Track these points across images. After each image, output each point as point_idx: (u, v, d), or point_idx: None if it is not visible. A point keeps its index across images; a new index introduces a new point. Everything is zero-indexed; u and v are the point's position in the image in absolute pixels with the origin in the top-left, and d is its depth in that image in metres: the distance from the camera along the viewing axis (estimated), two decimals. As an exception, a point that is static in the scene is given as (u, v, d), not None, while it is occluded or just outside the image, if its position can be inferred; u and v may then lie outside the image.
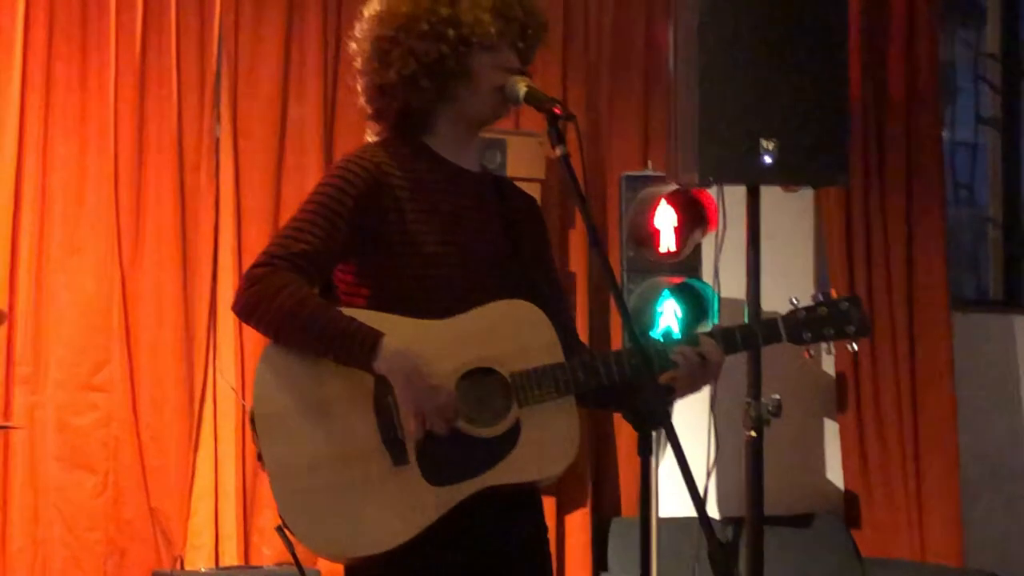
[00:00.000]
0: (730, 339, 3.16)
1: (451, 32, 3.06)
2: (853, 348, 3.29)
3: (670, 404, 3.10)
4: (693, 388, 3.10)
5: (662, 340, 3.28)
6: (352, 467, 2.98)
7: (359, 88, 3.21)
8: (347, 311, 2.99)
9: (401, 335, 2.94)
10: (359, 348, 2.92)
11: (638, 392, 3.00)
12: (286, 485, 2.97)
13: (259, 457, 3.01)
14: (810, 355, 3.32)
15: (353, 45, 3.20)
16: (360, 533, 2.97)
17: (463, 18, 3.07)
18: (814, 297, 3.25)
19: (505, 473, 3.00)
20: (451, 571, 3.04)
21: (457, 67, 3.09)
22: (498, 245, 3.19)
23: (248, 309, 3.00)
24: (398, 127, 3.19)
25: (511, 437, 3.01)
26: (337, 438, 2.99)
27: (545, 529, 3.28)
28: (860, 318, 3.20)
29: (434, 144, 3.18)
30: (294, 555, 3.42)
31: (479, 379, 3.02)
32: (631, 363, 3.05)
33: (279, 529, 3.01)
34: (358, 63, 3.19)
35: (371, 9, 3.18)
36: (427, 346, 2.96)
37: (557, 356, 3.04)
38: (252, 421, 3.00)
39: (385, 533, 2.96)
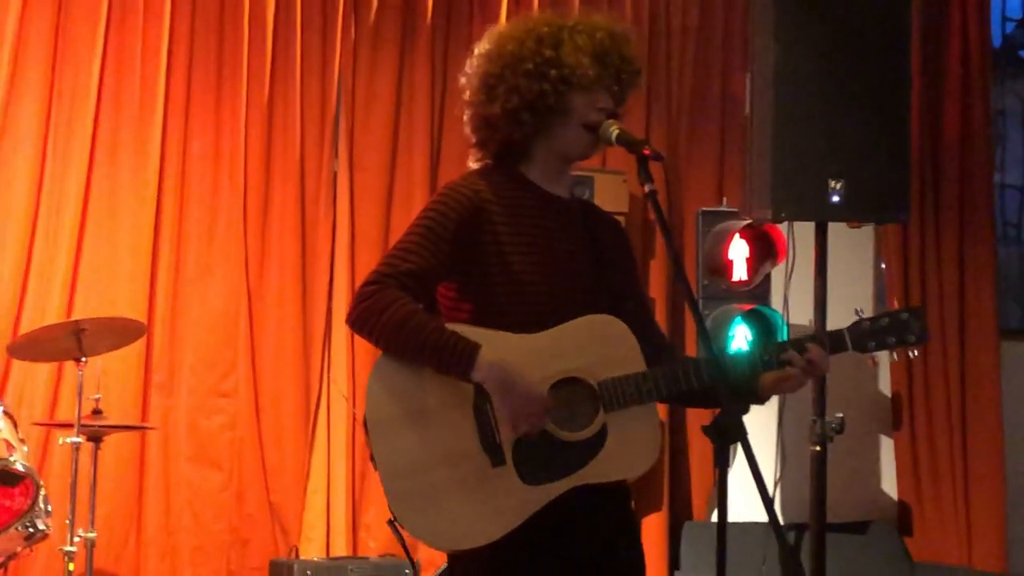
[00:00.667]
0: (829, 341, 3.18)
1: (553, 72, 3.05)
2: (913, 354, 3.30)
3: (746, 411, 3.01)
4: (798, 387, 3.13)
5: (762, 346, 3.26)
6: (455, 468, 2.99)
7: (465, 119, 3.18)
8: (449, 326, 3.00)
9: (496, 347, 2.95)
10: (458, 359, 2.93)
11: (719, 400, 2.97)
12: (396, 484, 2.99)
13: (372, 458, 3.04)
14: (875, 363, 3.34)
15: (463, 79, 3.18)
16: (464, 527, 2.98)
17: (565, 60, 3.06)
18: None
19: (593, 473, 2.99)
20: (551, 560, 3.03)
21: (556, 105, 3.06)
22: (585, 265, 3.16)
23: (360, 322, 3.00)
24: (499, 156, 3.17)
25: (599, 440, 3.00)
26: (440, 442, 3.00)
27: (634, 515, 3.28)
28: (920, 326, 3.19)
29: (529, 173, 3.16)
30: (405, 548, 3.50)
31: (569, 388, 3.01)
32: (709, 372, 3.04)
33: (391, 523, 3.03)
34: (466, 95, 3.16)
35: (481, 47, 3.18)
36: (520, 357, 2.97)
37: (639, 365, 3.04)
38: (365, 426, 3.02)
39: (486, 527, 2.97)
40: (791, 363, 3.10)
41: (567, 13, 3.29)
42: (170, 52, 6.00)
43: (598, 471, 3.00)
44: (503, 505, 2.98)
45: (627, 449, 3.03)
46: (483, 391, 2.99)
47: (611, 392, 3.01)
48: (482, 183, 3.10)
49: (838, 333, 3.21)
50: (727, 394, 2.93)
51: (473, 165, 3.22)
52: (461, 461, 2.99)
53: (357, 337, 6.31)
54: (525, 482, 2.98)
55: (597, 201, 5.99)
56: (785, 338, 5.98)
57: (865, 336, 3.19)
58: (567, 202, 3.22)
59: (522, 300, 3.06)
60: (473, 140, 3.20)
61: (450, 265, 3.05)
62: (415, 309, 2.99)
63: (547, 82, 3.06)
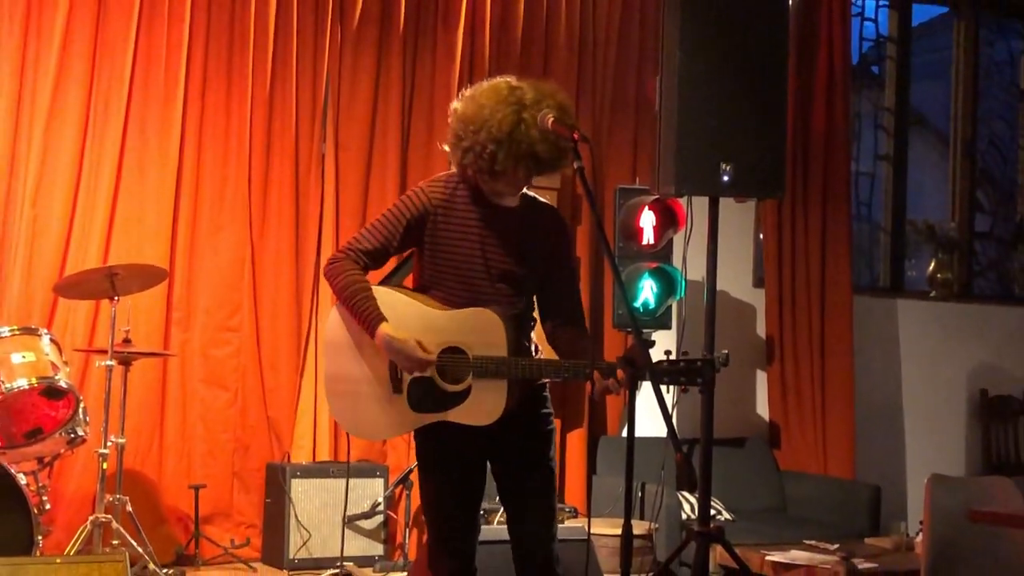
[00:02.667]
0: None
1: (510, 146, 3.19)
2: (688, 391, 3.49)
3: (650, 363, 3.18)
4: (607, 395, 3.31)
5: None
6: (371, 385, 3.35)
7: (448, 139, 3.34)
8: (380, 290, 3.33)
9: (407, 315, 3.30)
10: (367, 324, 3.28)
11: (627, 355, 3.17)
12: (333, 386, 3.42)
13: None
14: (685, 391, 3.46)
15: (450, 112, 3.35)
16: (371, 426, 3.45)
17: (519, 138, 3.19)
18: (680, 354, 3.39)
19: (454, 415, 3.30)
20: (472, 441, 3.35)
21: (507, 167, 3.23)
22: (516, 262, 3.35)
23: (327, 278, 3.36)
24: (464, 172, 3.35)
25: (464, 395, 3.29)
26: (366, 366, 3.35)
27: (546, 415, 3.47)
28: (709, 375, 3.46)
29: (484, 187, 3.33)
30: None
31: (456, 354, 3.29)
32: (543, 367, 3.31)
33: None
34: (450, 129, 3.33)
35: (466, 98, 3.31)
36: (421, 325, 3.29)
37: (503, 350, 3.27)
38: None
39: (383, 430, 3.59)
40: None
41: (525, 87, 3.29)
42: (189, 50, 5.93)
43: (457, 415, 3.31)
44: (396, 419, 3.37)
45: (479, 407, 3.30)
46: None
47: (481, 365, 3.28)
48: (440, 189, 3.36)
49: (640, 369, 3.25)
50: (639, 336, 3.25)
51: (453, 167, 3.40)
52: (376, 382, 3.35)
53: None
54: (411, 407, 3.33)
55: (536, 179, 5.97)
56: (682, 292, 6.01)
57: (660, 373, 3.33)
58: (510, 210, 3.38)
59: (452, 282, 3.34)
60: (450, 156, 3.37)
61: (401, 246, 3.38)
62: (356, 279, 3.31)
63: (502, 150, 3.21)
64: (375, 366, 3.34)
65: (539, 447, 3.44)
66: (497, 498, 3.51)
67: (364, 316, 3.28)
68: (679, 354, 3.39)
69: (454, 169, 3.38)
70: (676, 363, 3.32)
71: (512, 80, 3.32)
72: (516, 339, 3.31)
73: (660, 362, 3.31)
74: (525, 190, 3.41)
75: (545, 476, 3.44)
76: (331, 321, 3.40)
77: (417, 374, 3.28)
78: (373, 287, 3.34)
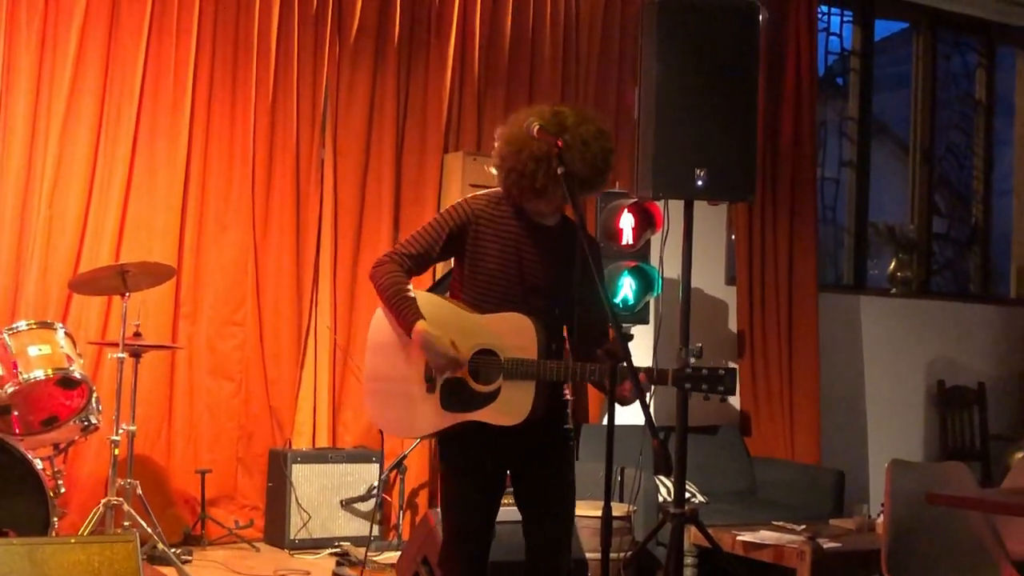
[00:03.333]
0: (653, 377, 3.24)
1: (556, 168, 3.16)
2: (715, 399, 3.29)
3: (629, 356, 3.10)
4: (626, 404, 3.19)
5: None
6: (407, 384, 3.27)
7: (494, 158, 3.31)
8: (420, 293, 3.26)
9: (443, 317, 3.22)
10: (405, 323, 3.22)
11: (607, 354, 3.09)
12: (371, 385, 3.34)
13: None
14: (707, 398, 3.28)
15: (496, 138, 3.31)
16: (404, 423, 3.34)
17: (569, 162, 3.15)
18: (700, 363, 3.32)
19: (484, 415, 3.21)
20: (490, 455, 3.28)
21: (550, 186, 3.19)
22: (550, 277, 3.28)
23: (372, 279, 3.30)
24: (509, 192, 3.29)
25: (494, 395, 3.21)
26: (403, 366, 3.27)
27: (568, 431, 3.40)
28: (731, 384, 3.23)
29: (525, 206, 3.29)
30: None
31: (488, 356, 3.22)
32: (574, 368, 3.17)
33: None
34: (494, 151, 3.30)
35: (514, 122, 3.27)
36: (457, 326, 3.21)
37: (534, 353, 3.18)
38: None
39: (416, 428, 3.33)
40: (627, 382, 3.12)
41: (567, 111, 3.28)
42: (196, 62, 5.90)
43: (487, 415, 3.22)
44: (428, 417, 3.27)
45: (509, 407, 3.21)
46: None
47: (512, 367, 3.19)
48: (483, 205, 3.30)
49: (663, 372, 3.24)
50: (619, 331, 3.10)
51: (495, 188, 3.34)
52: (412, 381, 3.27)
53: (338, 281, 6.33)
54: (443, 407, 3.25)
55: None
56: (659, 289, 6.01)
57: (684, 379, 3.24)
58: (550, 229, 3.33)
59: (488, 292, 3.26)
60: (496, 177, 3.32)
61: (443, 253, 3.31)
62: (398, 280, 3.25)
63: (542, 169, 3.18)
64: (412, 366, 3.26)
65: (559, 456, 3.36)
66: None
67: (403, 314, 3.22)
68: (655, 348, 3.38)
69: (499, 188, 3.34)
70: (699, 371, 3.22)
71: (556, 105, 3.31)
72: (547, 343, 3.23)
73: (684, 368, 3.23)
74: (566, 211, 3.35)
75: (565, 485, 3.36)
76: (374, 323, 3.34)
77: (448, 375, 3.22)
78: (415, 291, 3.28)
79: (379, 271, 3.28)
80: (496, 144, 3.30)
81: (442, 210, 3.38)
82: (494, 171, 3.32)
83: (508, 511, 3.40)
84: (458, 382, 3.22)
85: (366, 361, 3.34)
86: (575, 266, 3.31)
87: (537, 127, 3.16)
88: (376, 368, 3.31)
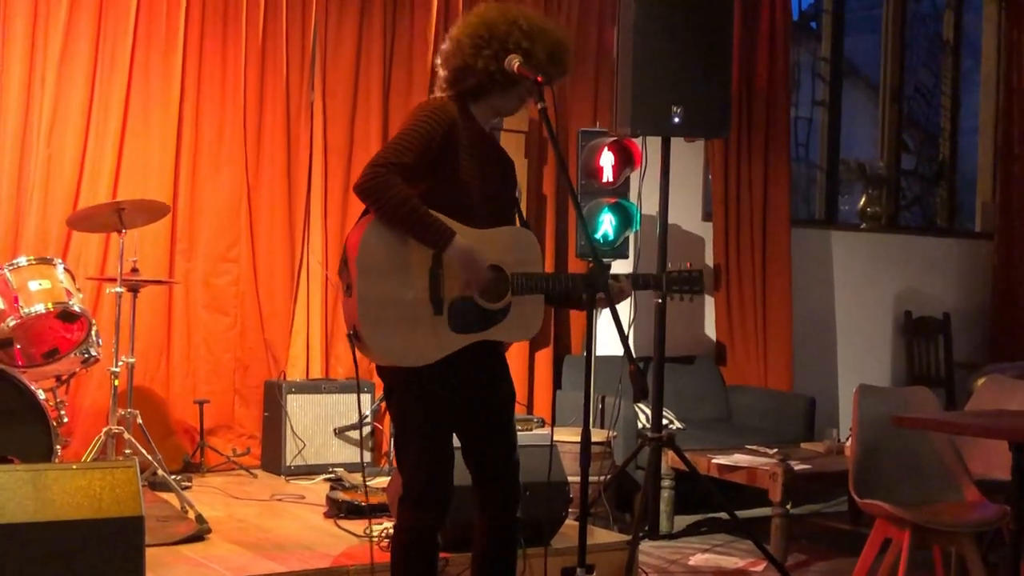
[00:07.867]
0: (635, 281, 3.22)
1: (540, 39, 3.07)
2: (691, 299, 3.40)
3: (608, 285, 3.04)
4: (612, 304, 2.97)
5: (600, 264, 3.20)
6: (410, 307, 2.98)
7: (441, 61, 3.11)
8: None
9: (460, 232, 2.97)
10: (439, 237, 2.93)
11: (587, 278, 3.05)
12: (368, 309, 2.94)
13: (347, 288, 2.97)
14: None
15: (453, 31, 3.11)
16: (407, 349, 2.98)
17: (535, 53, 3.05)
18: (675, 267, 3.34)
19: (496, 333, 3.08)
20: (447, 393, 3.06)
21: (516, 77, 3.05)
22: (498, 185, 3.17)
23: (367, 192, 2.93)
24: (460, 95, 3.11)
25: (504, 312, 3.08)
26: (404, 287, 2.97)
27: (505, 361, 3.25)
28: (700, 284, 3.31)
29: (475, 112, 3.12)
30: (356, 364, 3.43)
31: (493, 273, 3.05)
32: (576, 280, 3.10)
33: (350, 336, 2.99)
34: (448, 46, 3.09)
35: (477, 13, 3.11)
36: (470, 242, 2.99)
37: (539, 268, 3.11)
38: (354, 264, 2.93)
39: (422, 353, 2.99)
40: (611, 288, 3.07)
41: (529, 10, 3.17)
42: (188, 4, 5.79)
43: (499, 332, 3.09)
44: (435, 341, 3.01)
45: (520, 322, 3.11)
46: (439, 260, 2.98)
47: (519, 282, 3.07)
48: (455, 112, 3.05)
49: (655, 276, 3.29)
50: (599, 262, 3.10)
51: (439, 93, 3.13)
52: (415, 304, 2.99)
53: (329, 219, 6.25)
54: (452, 329, 3.02)
55: (505, 121, 5.92)
56: (638, 224, 5.99)
57: (672, 283, 3.29)
58: (490, 137, 3.22)
59: (458, 202, 3.03)
60: (445, 76, 3.11)
61: (424, 164, 2.97)
62: (411, 193, 2.92)
63: (537, 43, 3.06)
64: (413, 288, 2.97)
65: (504, 408, 3.22)
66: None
67: (432, 230, 2.91)
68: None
69: (439, 93, 3.14)
70: (673, 273, 3.28)
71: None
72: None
73: (669, 272, 3.27)
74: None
75: (507, 416, 3.21)
76: (363, 246, 2.93)
77: (468, 292, 3.01)
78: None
79: (381, 182, 2.90)
80: (458, 40, 3.08)
81: (420, 114, 3.03)
82: (442, 72, 3.11)
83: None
84: (466, 301, 3.02)
85: (359, 287, 2.93)
86: (511, 175, 3.26)
87: (517, 63, 3.02)
88: (374, 293, 2.93)
